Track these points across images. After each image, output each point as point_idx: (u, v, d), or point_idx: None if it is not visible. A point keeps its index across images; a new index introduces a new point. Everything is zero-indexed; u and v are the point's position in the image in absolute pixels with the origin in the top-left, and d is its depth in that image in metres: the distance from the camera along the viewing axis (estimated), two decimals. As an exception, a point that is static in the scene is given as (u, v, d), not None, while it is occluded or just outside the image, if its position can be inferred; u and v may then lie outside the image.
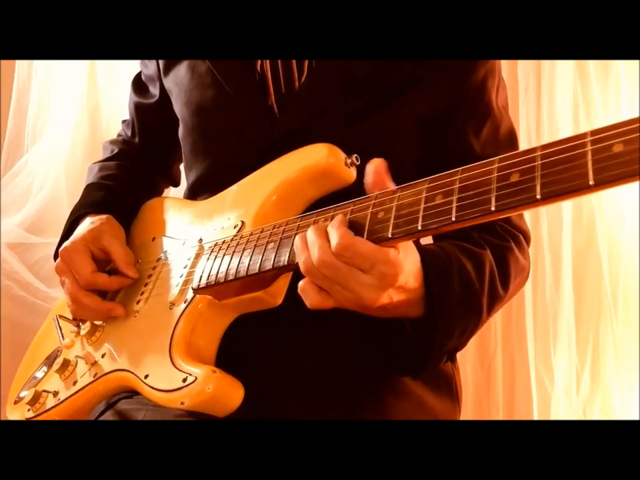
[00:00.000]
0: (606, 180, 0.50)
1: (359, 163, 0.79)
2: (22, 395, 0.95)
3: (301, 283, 0.68)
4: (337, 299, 0.67)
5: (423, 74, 0.85)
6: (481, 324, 0.81)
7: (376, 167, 0.67)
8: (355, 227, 0.66)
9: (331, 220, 0.67)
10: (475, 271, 0.78)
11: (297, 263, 0.70)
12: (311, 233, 0.67)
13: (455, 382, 0.93)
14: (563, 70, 1.39)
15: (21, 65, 1.86)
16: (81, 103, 1.79)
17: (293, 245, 0.70)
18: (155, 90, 1.09)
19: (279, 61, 0.88)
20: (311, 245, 0.66)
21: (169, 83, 1.02)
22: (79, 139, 1.78)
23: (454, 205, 0.59)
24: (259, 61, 0.89)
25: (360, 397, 0.82)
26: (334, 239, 0.64)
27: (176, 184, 1.22)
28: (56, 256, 0.96)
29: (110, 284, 0.91)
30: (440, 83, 0.86)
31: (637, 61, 1.31)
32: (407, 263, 0.66)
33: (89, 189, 1.07)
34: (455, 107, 0.87)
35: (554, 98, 1.40)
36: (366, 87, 0.85)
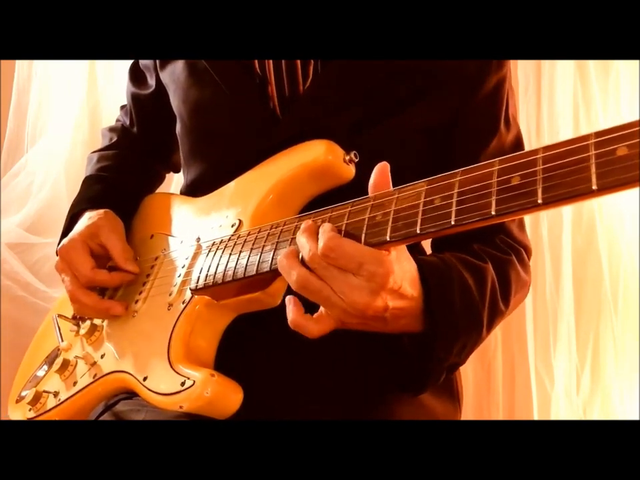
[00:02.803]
0: (610, 185, 0.48)
1: (357, 160, 0.79)
2: (23, 394, 0.95)
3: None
4: (332, 311, 0.66)
5: (432, 84, 0.84)
6: (480, 340, 0.79)
7: (380, 169, 0.67)
8: (351, 228, 0.66)
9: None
10: (476, 285, 0.76)
11: None
12: (301, 237, 0.67)
13: (455, 384, 0.92)
14: (563, 70, 1.39)
15: (20, 65, 1.86)
16: (81, 102, 1.79)
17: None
18: (151, 80, 1.07)
19: (283, 64, 0.87)
20: (301, 247, 0.66)
21: (165, 77, 1.00)
22: (78, 139, 1.78)
23: (453, 208, 0.58)
24: (257, 62, 0.88)
25: (360, 399, 0.82)
26: (320, 242, 0.64)
27: (177, 170, 1.20)
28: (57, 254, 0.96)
29: (110, 280, 0.90)
30: (449, 94, 0.84)
31: (637, 61, 1.31)
32: (398, 265, 0.65)
33: (87, 182, 1.06)
34: (463, 119, 0.85)
35: (554, 98, 1.40)
36: (373, 96, 0.84)
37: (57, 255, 0.95)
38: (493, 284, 0.79)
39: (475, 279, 0.77)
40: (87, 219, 0.95)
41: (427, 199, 0.61)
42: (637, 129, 0.48)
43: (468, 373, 1.48)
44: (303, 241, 0.66)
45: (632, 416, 1.30)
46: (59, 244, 0.97)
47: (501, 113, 0.88)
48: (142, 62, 1.10)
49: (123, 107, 1.20)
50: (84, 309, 0.90)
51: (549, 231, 1.40)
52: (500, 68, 0.86)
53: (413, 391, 0.81)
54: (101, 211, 0.96)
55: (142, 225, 1.02)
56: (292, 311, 0.68)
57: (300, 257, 0.66)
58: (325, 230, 0.65)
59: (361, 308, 0.64)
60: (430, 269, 0.72)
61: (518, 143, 0.91)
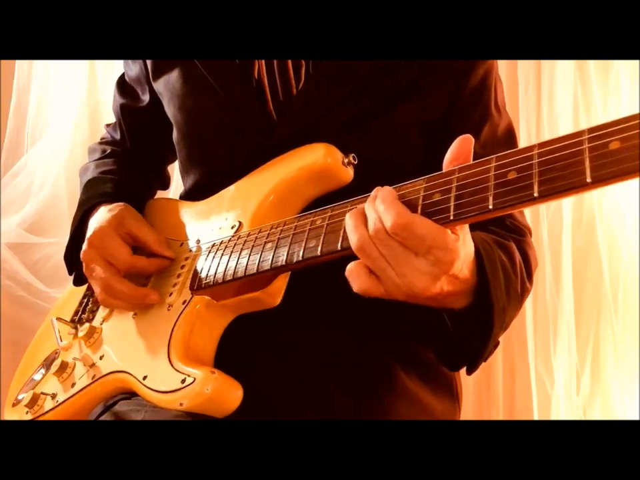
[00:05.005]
0: (603, 177, 0.50)
1: (356, 162, 0.80)
2: (20, 397, 0.95)
3: (350, 265, 0.64)
4: (386, 285, 0.63)
5: (423, 78, 0.84)
6: (515, 316, 0.81)
7: (462, 142, 0.64)
8: None
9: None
10: (510, 264, 0.78)
11: (295, 263, 0.70)
12: (369, 206, 0.63)
13: (454, 382, 0.93)
14: (563, 70, 1.39)
15: (20, 65, 1.86)
16: (81, 102, 1.79)
17: (302, 240, 0.70)
18: (144, 93, 1.06)
19: (275, 67, 0.87)
20: (368, 215, 0.63)
21: (159, 86, 0.99)
22: (78, 139, 1.78)
23: (452, 203, 0.59)
24: (257, 67, 0.88)
25: (359, 398, 0.82)
26: (388, 218, 0.60)
27: (165, 186, 1.19)
28: (67, 254, 0.96)
29: (149, 266, 0.87)
30: (439, 86, 0.85)
31: (637, 61, 1.31)
32: (464, 250, 0.63)
33: (92, 183, 1.02)
34: (454, 110, 0.86)
35: (554, 98, 1.40)
36: (365, 93, 0.84)
37: (67, 255, 0.94)
38: (519, 263, 0.81)
39: (508, 258, 0.78)
40: (107, 210, 0.92)
41: (426, 195, 0.62)
42: (629, 123, 0.50)
43: (468, 372, 1.48)
44: (370, 210, 0.63)
45: (632, 416, 1.30)
46: (71, 240, 0.96)
47: (490, 100, 0.89)
48: (129, 75, 1.08)
49: (108, 125, 1.19)
50: (116, 299, 0.86)
51: (549, 230, 1.40)
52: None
53: (468, 367, 0.79)
54: (120, 203, 0.93)
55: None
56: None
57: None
58: (390, 200, 0.61)
59: (418, 291, 0.62)
60: (482, 248, 0.71)
61: (510, 133, 0.92)
